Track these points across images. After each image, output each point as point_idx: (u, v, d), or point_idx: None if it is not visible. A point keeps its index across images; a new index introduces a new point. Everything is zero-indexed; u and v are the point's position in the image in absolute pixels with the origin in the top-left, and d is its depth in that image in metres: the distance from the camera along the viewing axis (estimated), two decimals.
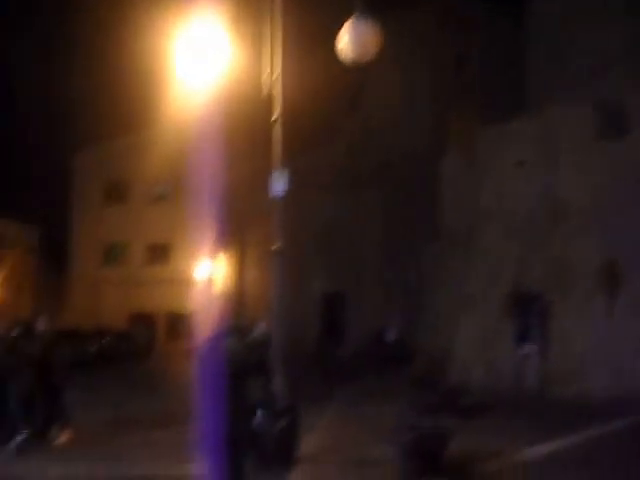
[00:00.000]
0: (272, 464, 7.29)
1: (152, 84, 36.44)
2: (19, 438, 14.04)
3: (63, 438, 14.87)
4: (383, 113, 44.06)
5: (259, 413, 7.18)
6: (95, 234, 55.22)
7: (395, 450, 10.66)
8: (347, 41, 11.30)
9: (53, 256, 59.80)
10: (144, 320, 50.96)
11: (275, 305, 12.23)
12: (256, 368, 7.34)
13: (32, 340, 14.84)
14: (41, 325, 15.49)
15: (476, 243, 24.01)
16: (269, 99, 12.85)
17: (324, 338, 45.62)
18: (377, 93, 44.82)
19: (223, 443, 6.99)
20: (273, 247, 12.36)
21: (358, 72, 41.66)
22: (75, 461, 12.79)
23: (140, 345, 44.40)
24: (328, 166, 44.93)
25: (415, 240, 37.51)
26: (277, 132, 12.96)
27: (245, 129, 37.82)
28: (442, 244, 26.86)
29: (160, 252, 54.24)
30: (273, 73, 12.94)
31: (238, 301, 49.56)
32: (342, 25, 11.34)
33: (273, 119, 13.01)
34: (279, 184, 12.62)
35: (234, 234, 49.19)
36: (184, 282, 51.07)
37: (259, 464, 7.61)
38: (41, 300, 55.69)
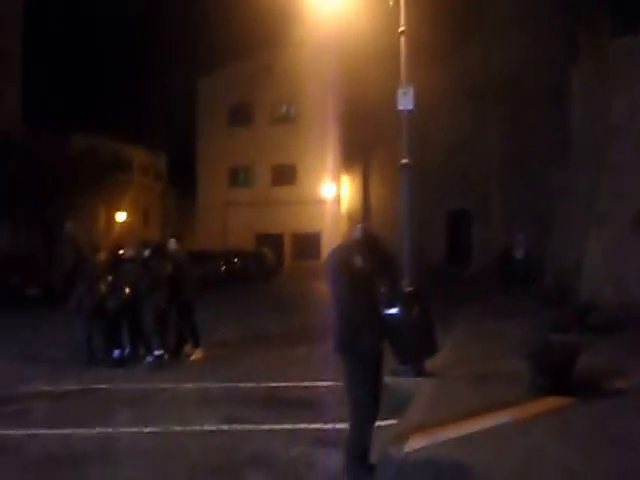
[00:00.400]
0: (415, 354, 7.33)
1: (276, 3, 36.34)
2: (153, 355, 14.53)
3: (195, 356, 15.31)
4: (509, 25, 42.99)
5: (391, 309, 7.16)
6: (221, 157, 55.83)
7: (524, 365, 10.59)
8: None
9: (180, 181, 60.96)
10: (271, 241, 51.61)
11: (403, 219, 12.14)
12: (378, 267, 7.28)
13: (164, 261, 15.22)
14: (172, 246, 15.87)
15: (607, 157, 23.28)
16: (395, 10, 12.58)
17: (450, 255, 45.58)
18: (503, 3, 43.73)
19: (355, 354, 7.04)
20: (402, 162, 12.20)
21: None
22: (206, 378, 13.18)
23: (268, 265, 45.05)
24: (454, 81, 44.31)
25: (543, 155, 36.81)
26: (403, 45, 12.69)
27: (371, 44, 37.52)
28: (572, 159, 26.22)
29: (286, 173, 54.54)
30: None
31: (364, 220, 49.66)
32: None
33: (400, 31, 12.74)
34: (406, 99, 12.41)
35: (359, 153, 49.28)
36: (310, 202, 51.73)
37: (403, 359, 7.63)
38: (170, 224, 57.14)
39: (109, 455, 8.59)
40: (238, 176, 56.99)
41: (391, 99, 12.76)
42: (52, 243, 38.38)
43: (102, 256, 15.71)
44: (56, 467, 8.19)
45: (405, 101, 12.35)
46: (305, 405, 10.78)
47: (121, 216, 52.58)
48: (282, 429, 9.47)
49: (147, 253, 15.13)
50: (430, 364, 11.75)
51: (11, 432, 9.75)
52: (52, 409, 11.16)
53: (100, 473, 7.91)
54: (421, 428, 8.58)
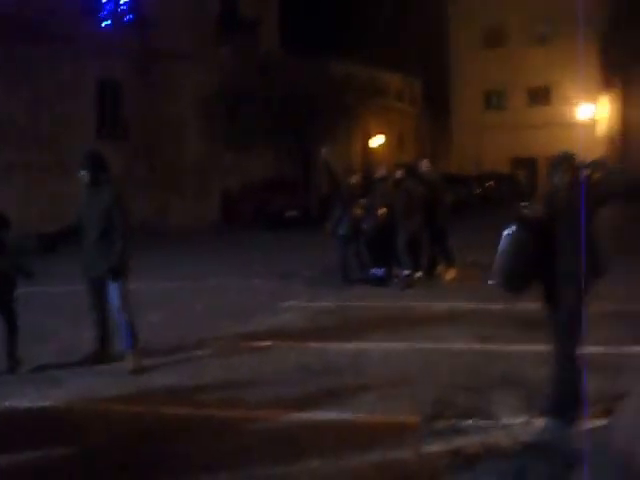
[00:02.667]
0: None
1: None
2: (404, 275, 14.83)
3: (449, 275, 15.48)
4: None
5: None
6: (474, 80, 55.52)
7: None
8: None
9: (435, 105, 61.03)
10: (525, 163, 50.91)
11: None
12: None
13: (417, 182, 15.38)
14: (425, 167, 15.99)
15: None
16: None
17: None
18: None
19: None
20: None
21: None
22: (458, 298, 13.33)
23: (522, 188, 44.49)
24: None
25: None
26: None
27: None
28: None
29: (541, 95, 53.55)
30: None
31: (621, 143, 48.00)
32: None
33: None
34: None
35: (618, 72, 47.35)
36: (566, 125, 50.44)
37: None
38: (425, 148, 57.44)
39: (362, 368, 8.96)
40: (492, 99, 56.59)
41: None
42: (311, 168, 39.71)
43: (354, 178, 16.08)
44: (312, 376, 8.64)
45: None
46: None
47: (377, 140, 53.27)
48: (532, 350, 9.44)
49: (400, 174, 15.28)
50: None
51: (270, 343, 10.35)
52: (309, 324, 11.72)
53: (353, 383, 8.27)
54: None
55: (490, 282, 7.16)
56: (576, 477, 5.41)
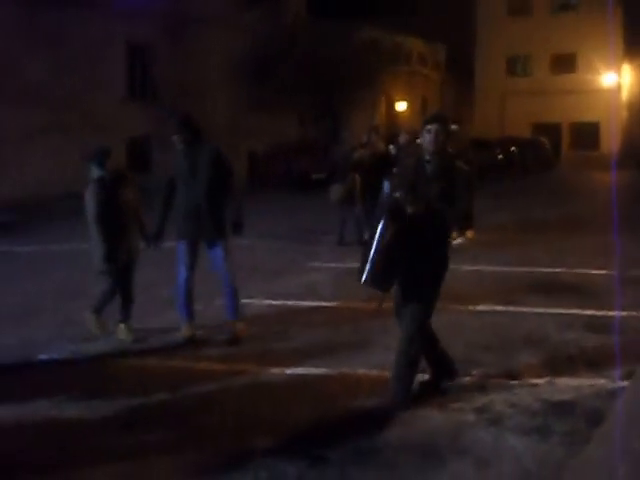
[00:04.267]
0: None
1: None
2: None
3: (469, 236, 15.48)
4: None
5: None
6: (499, 47, 55.42)
7: None
8: None
9: (459, 71, 60.84)
10: (548, 130, 50.83)
11: None
12: None
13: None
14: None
15: None
16: None
17: None
18: None
19: None
20: None
21: None
22: (480, 261, 13.49)
23: (545, 154, 44.39)
24: None
25: None
26: None
27: None
28: None
29: (565, 62, 53.40)
30: None
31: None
32: None
33: None
34: None
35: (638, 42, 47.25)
36: (589, 91, 50.35)
37: None
38: (448, 113, 57.34)
39: (390, 327, 8.99)
40: (516, 65, 56.52)
41: None
42: (337, 131, 39.85)
43: (379, 144, 16.19)
44: (340, 335, 8.89)
45: None
46: (578, 291, 10.88)
47: (401, 106, 53.27)
48: (555, 313, 9.63)
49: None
50: None
51: (299, 302, 10.62)
52: (336, 284, 11.89)
53: (381, 341, 8.46)
54: None
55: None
56: (598, 435, 5.54)
